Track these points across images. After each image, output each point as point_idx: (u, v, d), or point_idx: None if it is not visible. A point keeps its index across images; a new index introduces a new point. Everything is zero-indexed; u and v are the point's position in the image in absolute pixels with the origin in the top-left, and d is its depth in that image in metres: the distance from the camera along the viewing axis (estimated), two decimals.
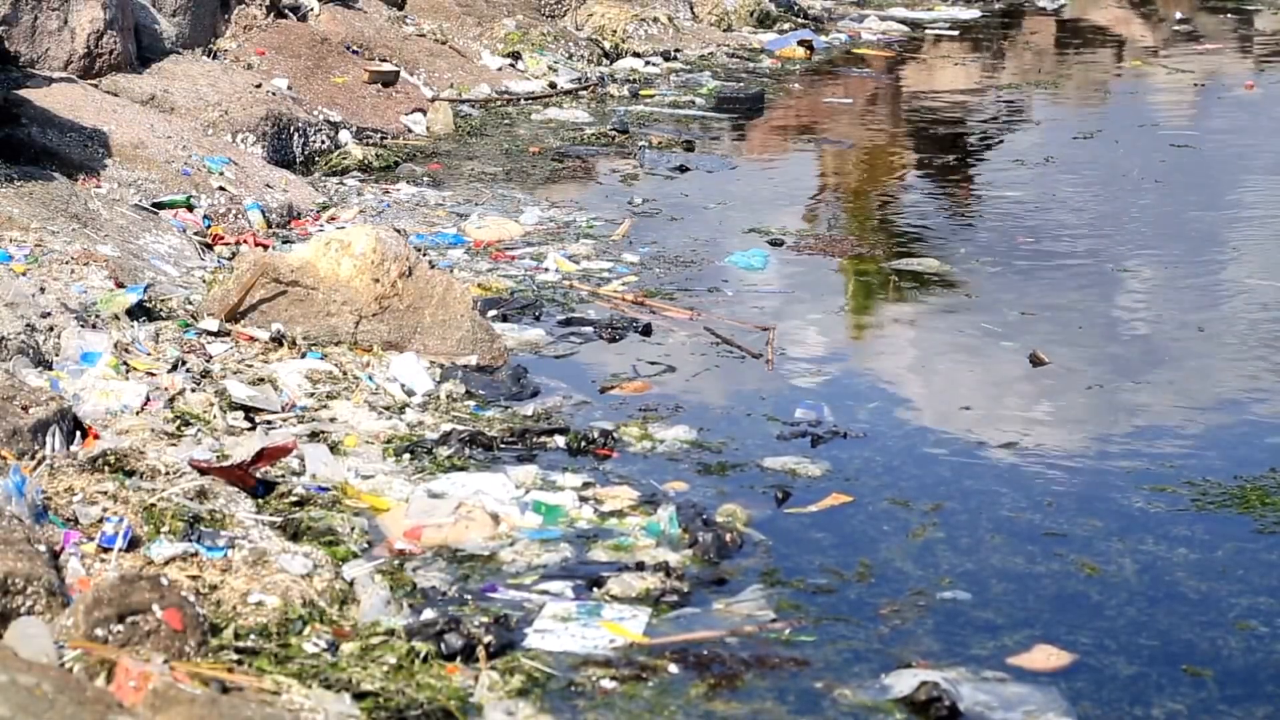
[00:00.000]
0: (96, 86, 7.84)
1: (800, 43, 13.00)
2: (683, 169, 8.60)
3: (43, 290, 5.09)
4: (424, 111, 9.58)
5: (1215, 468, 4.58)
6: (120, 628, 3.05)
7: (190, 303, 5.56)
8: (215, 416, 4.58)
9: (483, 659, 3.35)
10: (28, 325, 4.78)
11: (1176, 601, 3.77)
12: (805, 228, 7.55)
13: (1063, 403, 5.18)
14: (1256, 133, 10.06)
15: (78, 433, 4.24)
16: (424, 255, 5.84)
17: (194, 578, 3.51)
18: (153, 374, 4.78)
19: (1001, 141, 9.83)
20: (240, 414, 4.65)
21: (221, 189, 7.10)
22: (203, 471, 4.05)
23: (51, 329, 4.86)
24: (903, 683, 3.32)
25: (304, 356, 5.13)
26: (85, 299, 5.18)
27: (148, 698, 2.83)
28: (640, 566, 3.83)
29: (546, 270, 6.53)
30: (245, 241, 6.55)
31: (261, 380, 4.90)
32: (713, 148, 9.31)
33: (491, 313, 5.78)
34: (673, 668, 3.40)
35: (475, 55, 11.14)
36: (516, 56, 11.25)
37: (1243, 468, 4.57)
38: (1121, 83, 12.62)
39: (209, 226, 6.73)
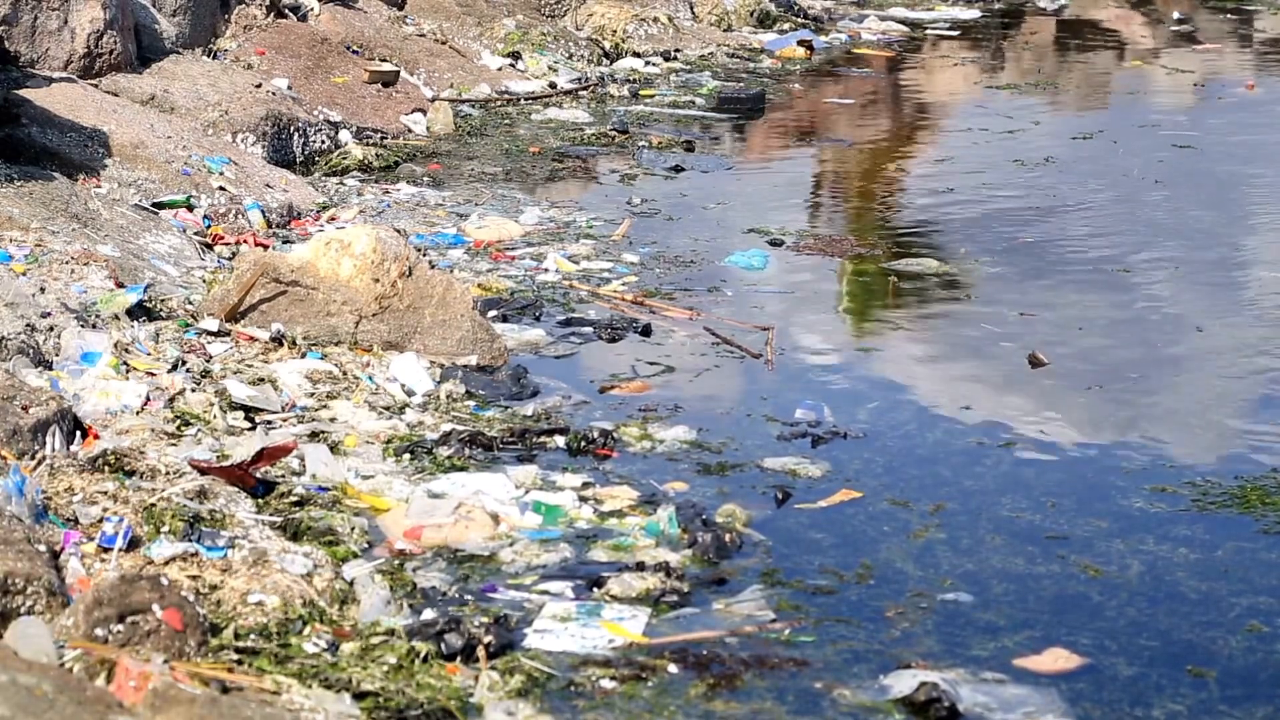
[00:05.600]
0: (96, 86, 7.84)
1: (800, 43, 12.99)
2: (678, 169, 8.59)
3: (43, 290, 5.09)
4: (424, 111, 9.57)
5: (1216, 468, 4.58)
6: (120, 628, 3.05)
7: (190, 303, 5.56)
8: (215, 416, 4.58)
9: (483, 659, 3.35)
10: (28, 325, 4.78)
11: (1177, 602, 3.77)
12: (805, 228, 7.54)
13: (1063, 403, 5.18)
14: (1257, 133, 10.05)
15: (78, 433, 4.24)
16: (424, 255, 5.84)
17: (194, 578, 3.51)
18: (153, 374, 4.78)
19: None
20: (240, 414, 4.65)
21: (221, 189, 7.10)
22: (203, 471, 4.04)
23: (51, 329, 4.86)
24: (902, 683, 3.32)
25: (304, 356, 5.12)
26: (85, 299, 5.18)
27: (148, 698, 2.83)
28: (640, 566, 3.83)
29: (546, 270, 6.53)
30: (245, 241, 6.55)
31: (261, 380, 4.90)
32: (713, 148, 9.31)
33: (491, 313, 5.78)
34: (672, 668, 3.40)
35: (475, 55, 11.14)
36: (516, 56, 11.25)
37: (1243, 468, 4.57)
38: (1122, 83, 12.61)
39: (209, 226, 6.73)
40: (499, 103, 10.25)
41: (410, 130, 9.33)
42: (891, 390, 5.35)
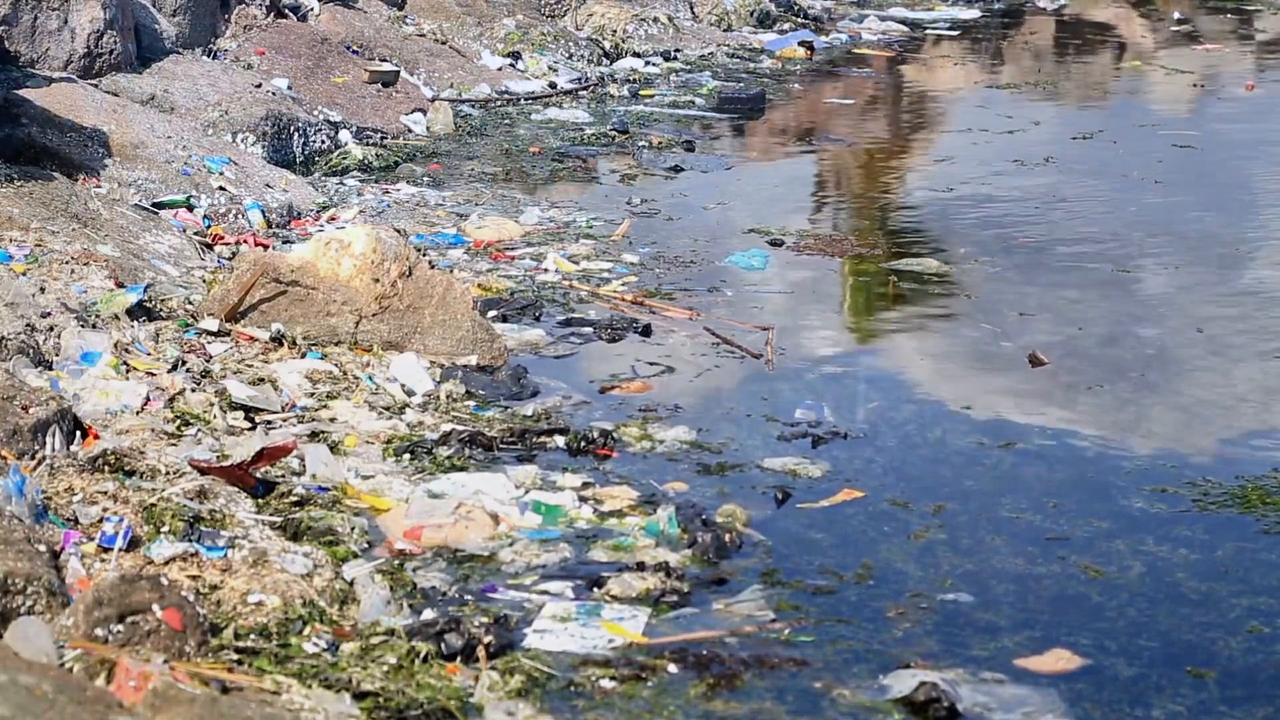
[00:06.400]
0: (96, 86, 7.84)
1: (800, 43, 13.00)
2: (677, 169, 8.59)
3: (43, 290, 5.09)
4: (424, 111, 9.58)
5: (1216, 468, 4.58)
6: (120, 628, 3.05)
7: (190, 303, 5.56)
8: (215, 416, 4.58)
9: (483, 659, 3.35)
10: (28, 325, 4.77)
11: (1178, 602, 3.77)
12: (805, 228, 7.54)
13: (1063, 403, 5.18)
14: (1256, 133, 10.05)
15: (78, 433, 4.24)
16: (424, 255, 5.84)
17: (194, 578, 3.51)
18: (153, 374, 4.78)
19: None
20: (240, 414, 4.64)
21: (221, 189, 7.10)
22: (203, 471, 4.04)
23: (51, 329, 4.86)
24: (902, 683, 3.32)
25: (304, 356, 5.12)
26: (85, 299, 5.18)
27: (148, 698, 2.83)
28: (640, 566, 3.83)
29: (546, 270, 6.53)
30: (245, 241, 6.55)
31: (261, 380, 4.89)
32: (713, 148, 9.31)
33: (491, 313, 5.78)
34: (672, 668, 3.40)
35: (475, 55, 11.15)
36: (516, 56, 11.25)
37: (1244, 468, 4.57)
38: (1121, 83, 12.61)
39: (209, 226, 6.73)
40: (499, 103, 10.25)
41: (410, 130, 9.34)
42: (891, 390, 5.35)
